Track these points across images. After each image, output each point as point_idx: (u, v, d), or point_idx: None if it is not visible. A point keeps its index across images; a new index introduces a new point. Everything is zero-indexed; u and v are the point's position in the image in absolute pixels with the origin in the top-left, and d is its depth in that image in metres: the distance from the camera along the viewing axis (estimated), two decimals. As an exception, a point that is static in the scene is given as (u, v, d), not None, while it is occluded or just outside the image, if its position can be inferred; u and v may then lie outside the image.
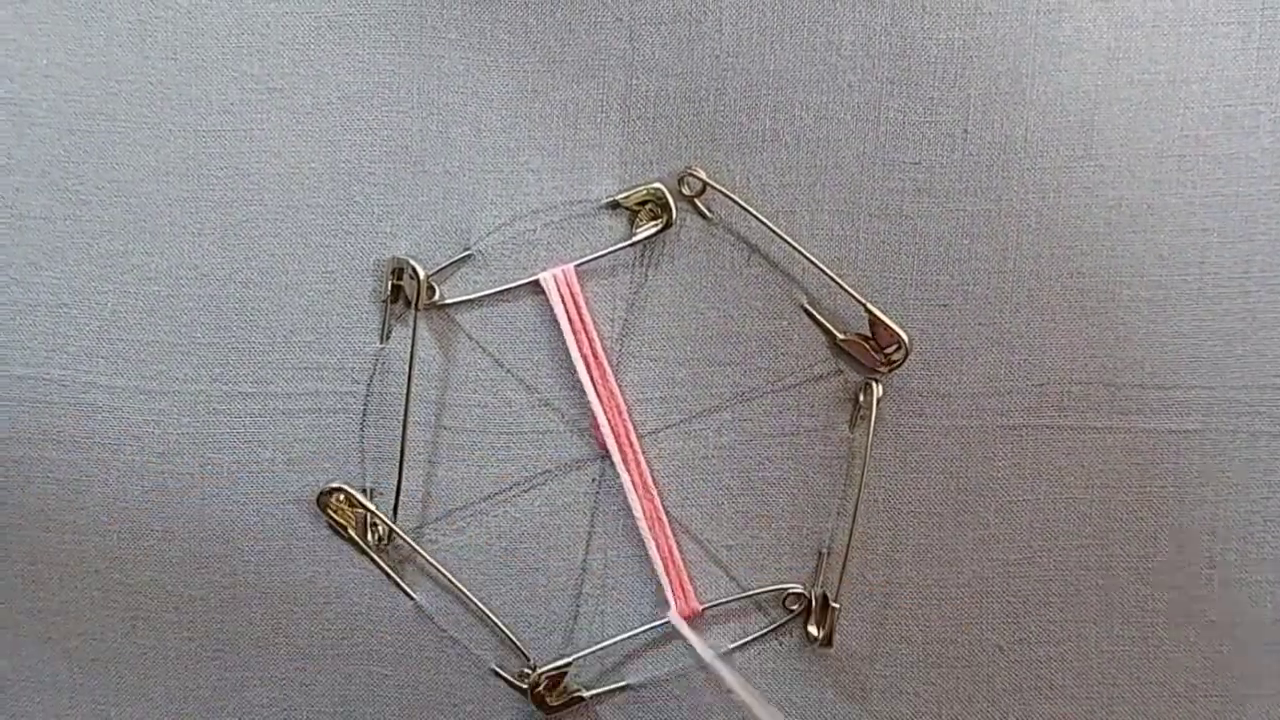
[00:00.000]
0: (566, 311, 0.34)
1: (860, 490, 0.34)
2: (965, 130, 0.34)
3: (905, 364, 0.34)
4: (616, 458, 0.34)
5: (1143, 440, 0.34)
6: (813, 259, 0.34)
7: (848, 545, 0.34)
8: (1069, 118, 0.34)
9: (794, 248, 0.34)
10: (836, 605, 0.34)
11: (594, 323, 0.35)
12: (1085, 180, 0.34)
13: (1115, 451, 0.34)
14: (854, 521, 0.34)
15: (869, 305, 0.34)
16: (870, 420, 0.34)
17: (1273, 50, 0.33)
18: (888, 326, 0.34)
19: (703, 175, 0.34)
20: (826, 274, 0.34)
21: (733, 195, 0.34)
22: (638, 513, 0.34)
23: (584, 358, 0.34)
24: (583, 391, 0.34)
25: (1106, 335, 0.34)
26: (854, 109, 0.34)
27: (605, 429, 0.34)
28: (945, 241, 0.34)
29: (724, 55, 0.34)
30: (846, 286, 0.34)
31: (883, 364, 0.34)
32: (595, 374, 0.34)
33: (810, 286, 0.35)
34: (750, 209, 0.34)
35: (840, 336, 0.34)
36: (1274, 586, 0.35)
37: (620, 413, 0.35)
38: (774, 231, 0.34)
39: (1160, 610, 0.35)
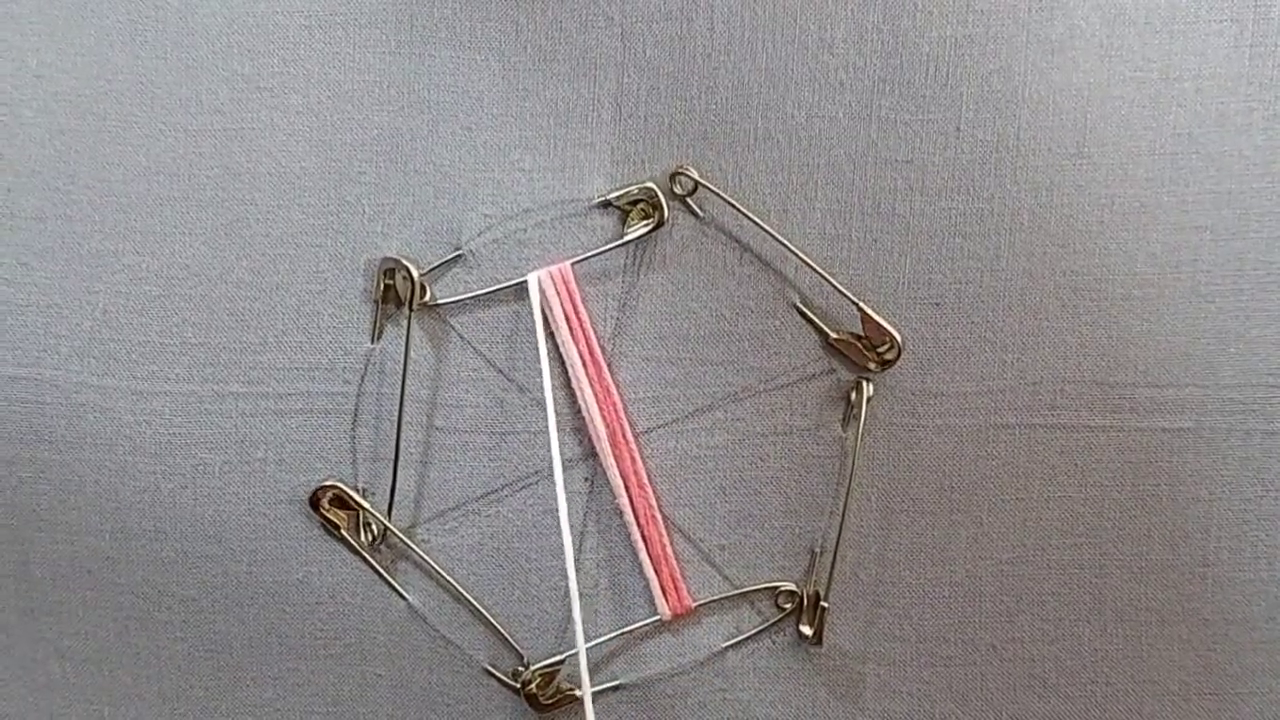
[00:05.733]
0: (563, 310, 0.34)
1: (852, 489, 0.34)
2: (958, 129, 0.34)
3: (897, 363, 0.34)
4: (609, 457, 0.34)
5: (1136, 439, 0.34)
6: (805, 258, 0.34)
7: (838, 543, 0.34)
8: (1062, 116, 0.34)
9: (786, 246, 0.34)
10: (827, 604, 0.34)
11: (590, 321, 0.35)
12: (1078, 178, 0.34)
13: (1108, 450, 0.34)
14: (843, 519, 0.34)
15: (861, 304, 0.34)
16: (862, 419, 0.34)
17: (1265, 48, 0.33)
18: (880, 325, 0.34)
19: (694, 174, 0.34)
20: (818, 273, 0.34)
21: (725, 194, 0.34)
22: (628, 514, 0.35)
23: (580, 356, 0.34)
24: (576, 391, 0.34)
25: (1099, 334, 0.34)
26: (846, 107, 0.34)
27: (599, 429, 0.34)
28: (938, 240, 0.34)
29: (716, 54, 0.34)
30: (838, 285, 0.34)
31: (875, 363, 0.34)
32: (591, 372, 0.34)
33: (802, 285, 0.35)
34: (742, 208, 0.34)
35: (832, 335, 0.34)
36: (1267, 585, 0.35)
37: (616, 411, 0.35)
38: (766, 230, 0.34)
39: (1153, 608, 0.35)
